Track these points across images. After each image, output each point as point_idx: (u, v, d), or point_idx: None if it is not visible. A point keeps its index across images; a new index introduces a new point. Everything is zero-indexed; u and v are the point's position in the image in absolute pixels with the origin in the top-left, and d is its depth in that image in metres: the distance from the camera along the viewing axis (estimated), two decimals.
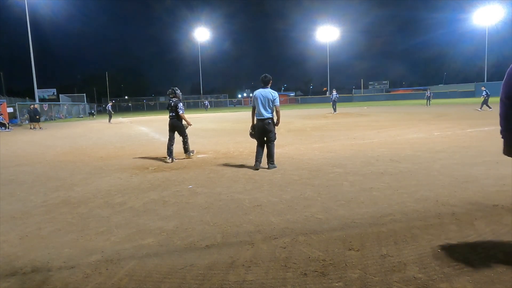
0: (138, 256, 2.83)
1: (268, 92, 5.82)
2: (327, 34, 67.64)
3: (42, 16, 49.29)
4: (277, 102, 5.85)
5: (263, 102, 5.82)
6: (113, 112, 26.96)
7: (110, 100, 30.11)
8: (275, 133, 6.00)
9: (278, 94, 5.99)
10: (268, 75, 5.95)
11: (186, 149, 7.46)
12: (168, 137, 7.31)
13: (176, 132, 7.30)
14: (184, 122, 7.31)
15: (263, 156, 6.06)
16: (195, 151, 7.77)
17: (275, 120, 5.97)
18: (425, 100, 31.56)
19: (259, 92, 5.89)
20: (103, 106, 65.36)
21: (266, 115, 5.83)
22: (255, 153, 6.09)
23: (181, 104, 7.31)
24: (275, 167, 5.97)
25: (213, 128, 16.12)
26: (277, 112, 5.91)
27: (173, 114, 7.22)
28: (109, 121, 25.53)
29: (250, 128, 6.16)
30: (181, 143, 7.45)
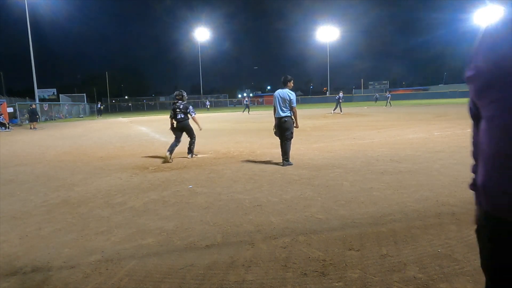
0: (138, 256, 2.83)
1: (286, 93, 6.10)
2: (327, 34, 67.60)
3: (42, 16, 49.30)
4: (294, 103, 6.13)
5: (280, 102, 6.13)
6: (249, 106, 30.85)
7: (247, 95, 34.37)
8: (291, 132, 6.21)
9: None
10: (288, 76, 6.26)
11: (190, 150, 7.47)
12: (174, 137, 7.34)
13: (184, 133, 7.35)
14: (195, 125, 7.31)
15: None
16: (198, 155, 7.69)
17: (293, 119, 6.19)
18: (385, 102, 32.61)
19: (278, 92, 6.20)
20: (103, 106, 65.66)
21: (283, 114, 6.11)
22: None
23: (191, 107, 7.36)
24: (289, 164, 6.15)
25: (213, 128, 16.12)
26: (294, 113, 6.17)
27: (182, 116, 7.21)
28: (248, 112, 29.13)
29: (273, 127, 6.45)
30: (188, 143, 7.46)
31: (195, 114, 7.34)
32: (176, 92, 7.43)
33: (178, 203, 4.23)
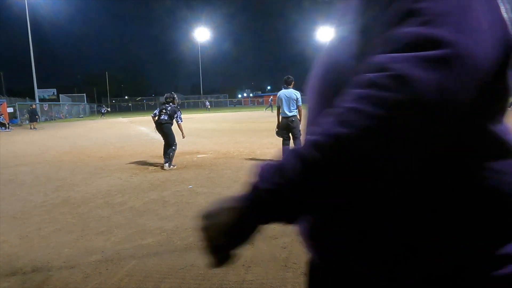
0: (138, 256, 2.83)
1: (292, 93, 6.23)
2: (327, 34, 67.69)
3: (42, 16, 49.51)
4: (300, 102, 6.26)
5: (287, 101, 6.24)
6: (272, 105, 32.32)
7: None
8: (299, 130, 6.34)
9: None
10: (291, 77, 6.41)
11: (169, 157, 6.53)
12: (164, 143, 6.70)
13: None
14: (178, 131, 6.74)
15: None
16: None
17: (298, 117, 6.36)
18: None
19: (283, 92, 6.29)
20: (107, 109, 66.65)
21: (290, 113, 6.24)
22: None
23: (180, 112, 6.77)
24: None
25: (213, 128, 16.12)
26: (300, 112, 6.30)
27: (166, 118, 6.56)
28: (271, 110, 31.20)
29: (276, 127, 6.55)
30: (169, 150, 6.59)
31: (181, 121, 6.81)
32: (167, 95, 6.81)
33: (178, 203, 4.23)
